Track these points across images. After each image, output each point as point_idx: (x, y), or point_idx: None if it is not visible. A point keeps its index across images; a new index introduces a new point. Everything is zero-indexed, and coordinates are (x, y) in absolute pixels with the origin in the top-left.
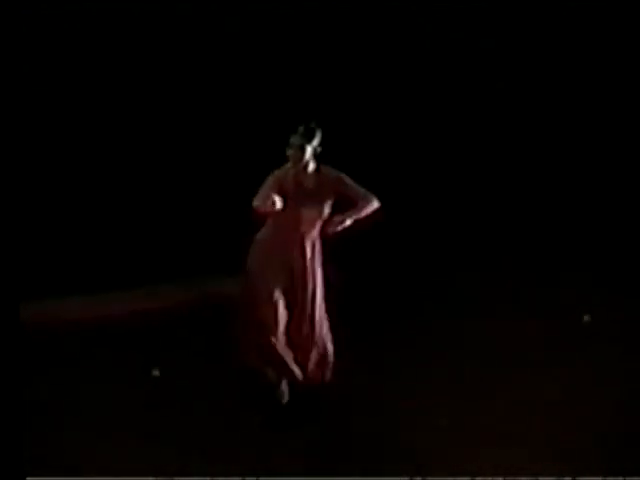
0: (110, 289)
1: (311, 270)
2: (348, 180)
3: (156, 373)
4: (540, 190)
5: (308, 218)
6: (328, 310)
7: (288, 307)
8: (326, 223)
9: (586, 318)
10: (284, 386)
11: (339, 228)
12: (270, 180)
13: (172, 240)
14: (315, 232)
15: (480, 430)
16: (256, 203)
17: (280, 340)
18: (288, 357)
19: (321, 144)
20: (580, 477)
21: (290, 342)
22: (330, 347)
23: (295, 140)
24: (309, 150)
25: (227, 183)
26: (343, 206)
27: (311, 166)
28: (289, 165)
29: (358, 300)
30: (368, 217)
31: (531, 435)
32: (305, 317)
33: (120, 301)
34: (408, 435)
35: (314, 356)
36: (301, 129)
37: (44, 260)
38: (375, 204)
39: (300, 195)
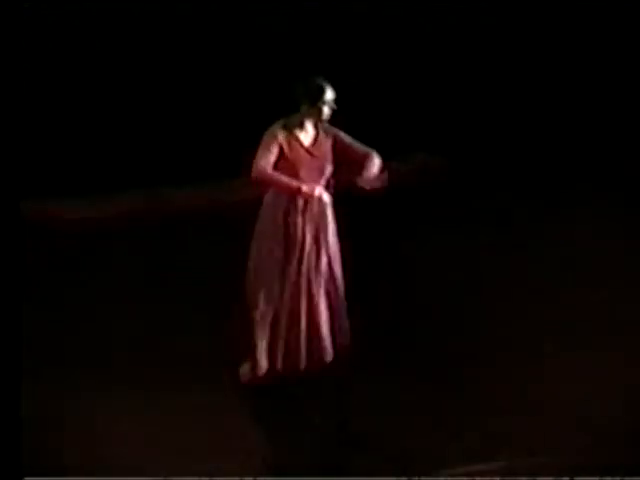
0: (111, 190)
1: (324, 238)
2: (347, 138)
3: None
4: None
5: (310, 179)
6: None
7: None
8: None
9: None
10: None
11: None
12: (268, 142)
13: (178, 143)
14: (325, 199)
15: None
16: (255, 174)
17: (263, 320)
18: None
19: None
20: (578, 477)
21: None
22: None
23: (328, 95)
24: (325, 111)
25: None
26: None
27: (311, 124)
28: (284, 122)
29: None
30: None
31: (530, 434)
32: (319, 296)
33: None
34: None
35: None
36: (319, 83)
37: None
38: (377, 161)
39: (301, 155)
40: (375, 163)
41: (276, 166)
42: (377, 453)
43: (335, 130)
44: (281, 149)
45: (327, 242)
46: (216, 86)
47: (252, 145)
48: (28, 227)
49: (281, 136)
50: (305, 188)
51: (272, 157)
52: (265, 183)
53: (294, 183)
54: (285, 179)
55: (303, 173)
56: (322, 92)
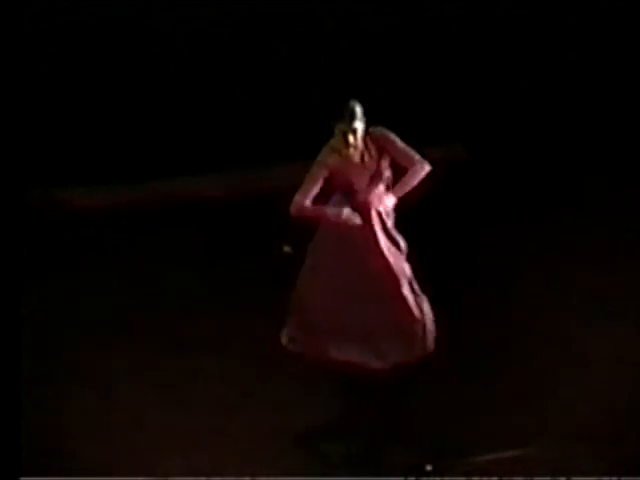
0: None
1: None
2: (398, 142)
3: None
4: None
5: (369, 189)
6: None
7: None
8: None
9: None
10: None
11: (391, 201)
12: (314, 171)
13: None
14: (382, 205)
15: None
16: (293, 211)
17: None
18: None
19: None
20: (574, 477)
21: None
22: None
23: (358, 113)
24: (359, 125)
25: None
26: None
27: (357, 139)
28: (332, 143)
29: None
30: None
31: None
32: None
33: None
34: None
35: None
36: (352, 108)
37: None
38: (427, 168)
39: (353, 171)
40: (417, 173)
41: (332, 185)
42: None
43: (383, 135)
44: (331, 173)
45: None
46: (225, 76)
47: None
48: (32, 215)
49: (330, 161)
50: (344, 216)
51: (313, 189)
52: (305, 218)
53: (334, 213)
54: (324, 211)
55: (359, 187)
56: (353, 115)
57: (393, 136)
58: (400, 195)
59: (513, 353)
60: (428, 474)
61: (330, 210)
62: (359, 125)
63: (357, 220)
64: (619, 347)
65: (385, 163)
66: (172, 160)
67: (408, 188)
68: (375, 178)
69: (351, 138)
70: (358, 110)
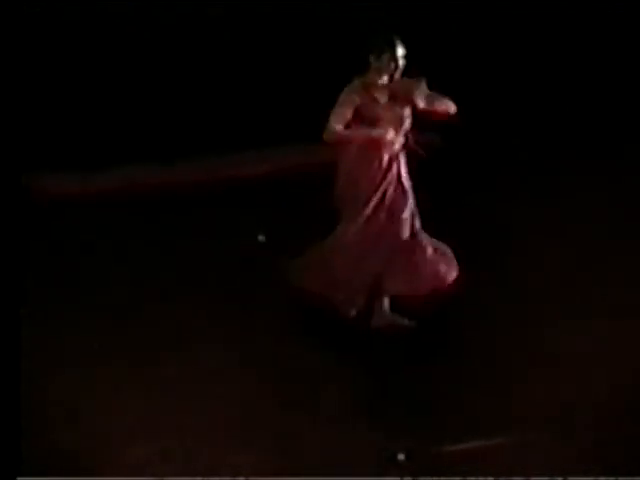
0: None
1: (401, 190)
2: (422, 85)
3: None
4: None
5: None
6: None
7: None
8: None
9: None
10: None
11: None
12: (343, 102)
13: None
14: (398, 147)
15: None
16: (327, 135)
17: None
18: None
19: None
20: (572, 477)
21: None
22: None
23: (398, 51)
24: (393, 66)
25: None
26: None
27: (385, 79)
28: (360, 80)
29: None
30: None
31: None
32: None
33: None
34: None
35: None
36: (385, 39)
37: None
38: (452, 106)
39: (378, 112)
40: (446, 104)
41: (353, 123)
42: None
43: (415, 83)
44: (357, 109)
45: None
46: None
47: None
48: (29, 201)
49: (357, 97)
50: (376, 133)
51: (345, 118)
52: (338, 142)
53: (366, 132)
54: (357, 132)
55: (381, 125)
56: (392, 47)
57: (424, 86)
58: (423, 107)
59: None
60: (400, 463)
61: (360, 130)
62: (393, 65)
63: (390, 134)
64: (590, 344)
65: (408, 111)
66: (144, 147)
67: (437, 109)
68: (396, 124)
69: (384, 77)
70: (399, 51)
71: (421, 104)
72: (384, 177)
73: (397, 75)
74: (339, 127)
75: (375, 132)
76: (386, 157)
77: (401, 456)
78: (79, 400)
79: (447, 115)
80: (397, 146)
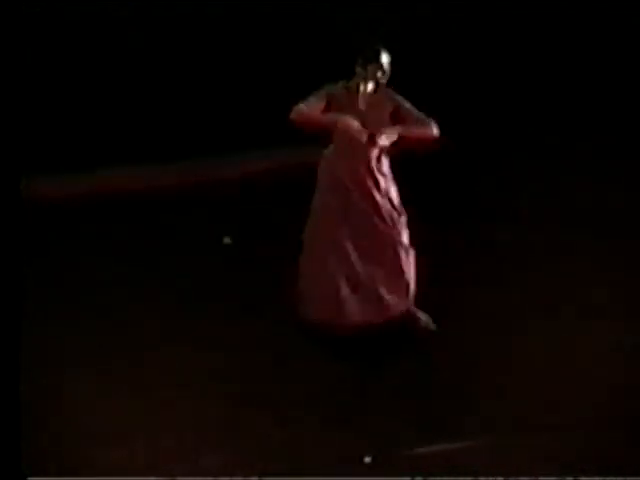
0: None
1: (383, 195)
2: (406, 104)
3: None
4: None
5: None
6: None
7: (358, 248)
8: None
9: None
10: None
11: (382, 139)
12: (319, 93)
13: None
14: (374, 155)
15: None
16: (294, 113)
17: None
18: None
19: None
20: (581, 477)
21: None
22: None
23: (383, 58)
24: (379, 75)
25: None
26: None
27: (369, 87)
28: (344, 83)
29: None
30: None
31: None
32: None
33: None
34: None
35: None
36: (371, 50)
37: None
38: (432, 130)
39: (353, 116)
40: (424, 127)
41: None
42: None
43: (398, 98)
44: (330, 105)
45: (379, 188)
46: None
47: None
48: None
49: (335, 93)
50: (341, 120)
51: (315, 105)
52: (303, 122)
53: (332, 117)
54: (322, 116)
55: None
56: (377, 55)
57: (408, 104)
58: (398, 132)
59: (453, 344)
60: (367, 465)
61: (327, 115)
62: (374, 73)
63: (355, 124)
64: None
65: (386, 124)
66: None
67: (408, 132)
68: (373, 124)
69: (362, 84)
70: (383, 59)
71: (406, 109)
72: (361, 184)
73: (382, 81)
74: (306, 109)
75: (341, 119)
76: (364, 164)
77: (368, 459)
78: (79, 400)
79: (428, 139)
80: (374, 151)
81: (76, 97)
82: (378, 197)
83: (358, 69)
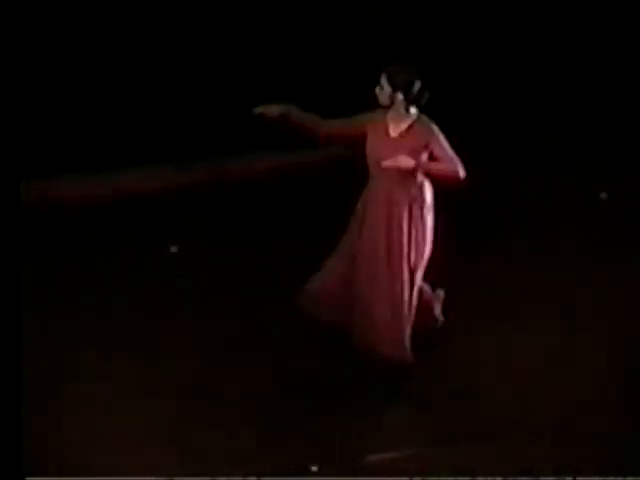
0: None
1: (407, 232)
2: (440, 138)
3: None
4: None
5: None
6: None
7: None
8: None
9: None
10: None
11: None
12: (355, 116)
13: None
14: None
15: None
16: (322, 126)
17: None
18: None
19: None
20: (580, 477)
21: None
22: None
23: (386, 86)
24: (399, 97)
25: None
26: None
27: (404, 113)
28: (386, 111)
29: None
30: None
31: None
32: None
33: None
34: None
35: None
36: (395, 71)
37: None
38: (459, 172)
39: (385, 144)
40: (449, 166)
41: (363, 150)
42: None
43: (435, 132)
44: (363, 131)
45: (403, 226)
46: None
47: None
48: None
49: (369, 119)
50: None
51: (344, 125)
52: (328, 136)
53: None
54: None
55: (385, 162)
56: (411, 84)
57: (442, 137)
58: (421, 167)
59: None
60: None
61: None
62: (391, 92)
63: (403, 162)
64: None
65: (418, 155)
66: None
67: (432, 169)
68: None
69: (400, 109)
70: (397, 79)
71: (440, 146)
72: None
73: (414, 111)
74: (335, 124)
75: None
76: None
77: (314, 467)
78: (79, 400)
79: (453, 179)
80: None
81: (76, 98)
82: (405, 227)
83: (396, 97)
